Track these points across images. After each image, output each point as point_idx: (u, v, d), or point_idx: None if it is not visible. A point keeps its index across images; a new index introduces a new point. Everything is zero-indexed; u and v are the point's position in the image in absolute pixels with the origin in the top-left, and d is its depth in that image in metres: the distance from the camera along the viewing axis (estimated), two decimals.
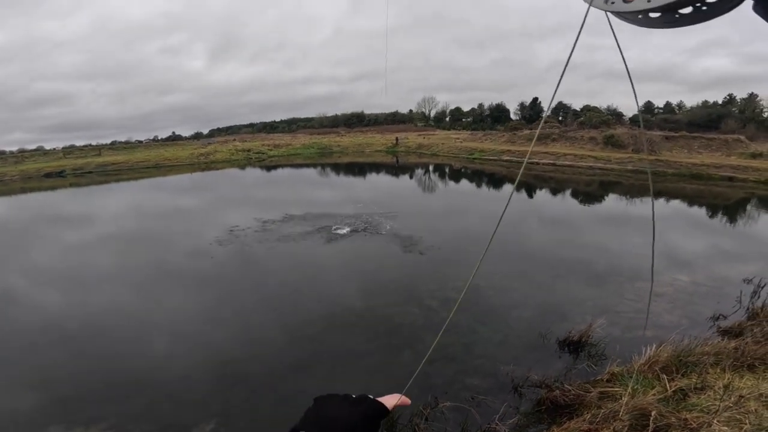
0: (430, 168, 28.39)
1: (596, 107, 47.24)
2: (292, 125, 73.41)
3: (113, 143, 55.67)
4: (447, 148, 35.06)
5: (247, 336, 5.87)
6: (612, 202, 16.13)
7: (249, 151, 39.51)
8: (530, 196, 17.65)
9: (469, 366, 4.97)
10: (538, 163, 25.94)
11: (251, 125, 76.78)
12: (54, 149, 50.30)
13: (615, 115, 41.93)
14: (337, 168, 30.16)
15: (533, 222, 12.22)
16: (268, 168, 31.98)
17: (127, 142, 56.77)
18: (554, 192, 18.50)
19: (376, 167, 30.49)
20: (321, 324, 6.06)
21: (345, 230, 11.02)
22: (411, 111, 72.82)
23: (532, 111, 60.23)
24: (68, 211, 18.44)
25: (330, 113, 74.81)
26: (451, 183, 22.72)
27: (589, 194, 18.19)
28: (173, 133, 70.76)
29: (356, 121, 69.94)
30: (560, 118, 46.70)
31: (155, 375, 5.03)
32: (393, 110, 72.77)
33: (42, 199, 24.33)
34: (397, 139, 40.57)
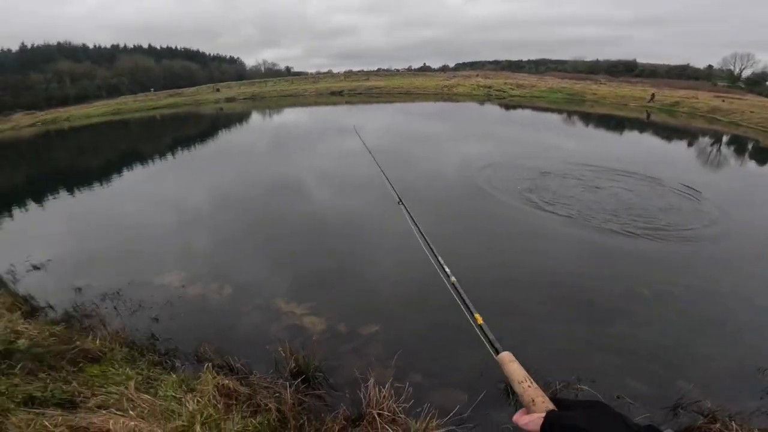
0: (723, 139, 19.77)
1: None
2: (540, 66, 66.77)
3: (378, 70, 64.89)
4: (758, 118, 23.73)
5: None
6: None
7: (490, 87, 38.60)
8: None
9: (642, 368, 3.94)
10: None
11: (496, 62, 74.21)
12: (338, 73, 63.03)
13: None
14: (587, 118, 25.71)
15: None
16: (507, 107, 30.55)
17: (387, 70, 65.17)
18: None
19: (637, 124, 24.12)
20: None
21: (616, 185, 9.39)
22: (711, 67, 53.54)
23: None
24: (346, 122, 22.94)
25: (589, 58, 63.42)
26: (752, 165, 14.72)
27: None
28: (424, 64, 76.35)
29: (623, 69, 57.02)
30: None
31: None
32: (682, 62, 55.26)
33: (328, 111, 31.23)
34: (653, 95, 31.38)
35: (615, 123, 23.93)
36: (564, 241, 6.77)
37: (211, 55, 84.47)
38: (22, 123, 35.50)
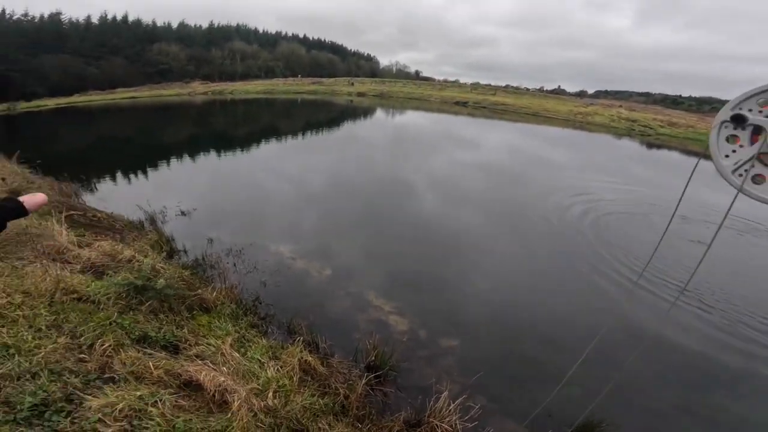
0: None
1: None
2: (703, 105, 57.06)
3: (506, 86, 62.85)
4: None
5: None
6: None
7: (634, 122, 34.33)
8: None
9: None
10: None
11: (647, 95, 65.72)
12: (464, 84, 62.77)
13: None
14: None
15: None
16: (650, 145, 26.82)
17: (516, 88, 62.66)
18: None
19: None
20: None
21: None
22: None
23: None
24: (464, 134, 22.85)
25: None
26: None
27: None
28: (558, 86, 71.66)
29: None
30: None
31: None
32: None
33: (448, 119, 31.40)
34: None
35: None
36: None
37: (352, 50, 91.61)
38: (198, 90, 43.31)
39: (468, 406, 3.22)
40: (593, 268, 6.61)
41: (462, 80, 65.32)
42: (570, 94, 63.44)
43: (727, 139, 0.52)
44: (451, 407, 3.17)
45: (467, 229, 8.08)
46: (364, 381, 3.43)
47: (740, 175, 0.50)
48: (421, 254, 6.79)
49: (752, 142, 0.49)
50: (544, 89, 67.33)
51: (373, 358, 3.87)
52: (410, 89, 50.58)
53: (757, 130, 0.51)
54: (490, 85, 61.77)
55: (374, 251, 6.83)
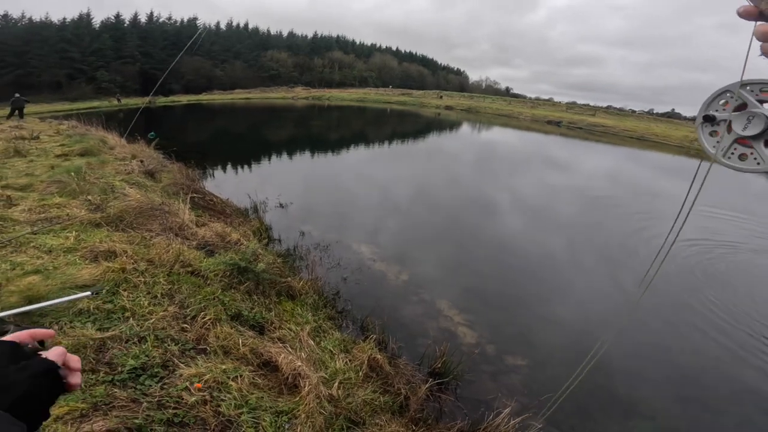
0: None
1: None
2: None
3: (608, 107, 58.18)
4: None
5: None
6: None
7: None
8: None
9: None
10: None
11: None
12: (559, 102, 59.42)
13: None
14: None
15: None
16: None
17: (620, 110, 57.64)
18: None
19: None
20: None
21: None
22: None
23: None
24: (556, 155, 21.77)
25: None
26: None
27: None
28: (672, 110, 64.07)
29: None
30: None
31: None
32: None
33: (537, 138, 30.09)
34: None
35: None
36: None
37: (442, 64, 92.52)
38: (300, 95, 47.42)
39: (527, 425, 3.17)
40: (685, 307, 5.88)
41: (557, 99, 62.01)
42: (686, 118, 56.42)
43: (711, 134, 0.84)
44: (509, 424, 3.14)
45: (549, 254, 7.65)
46: (427, 386, 3.48)
47: (728, 158, 0.81)
48: (498, 272, 6.69)
49: (729, 132, 0.74)
50: (654, 112, 60.85)
51: (439, 365, 3.91)
52: (499, 105, 49.44)
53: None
54: (588, 105, 57.80)
55: (451, 263, 6.86)
